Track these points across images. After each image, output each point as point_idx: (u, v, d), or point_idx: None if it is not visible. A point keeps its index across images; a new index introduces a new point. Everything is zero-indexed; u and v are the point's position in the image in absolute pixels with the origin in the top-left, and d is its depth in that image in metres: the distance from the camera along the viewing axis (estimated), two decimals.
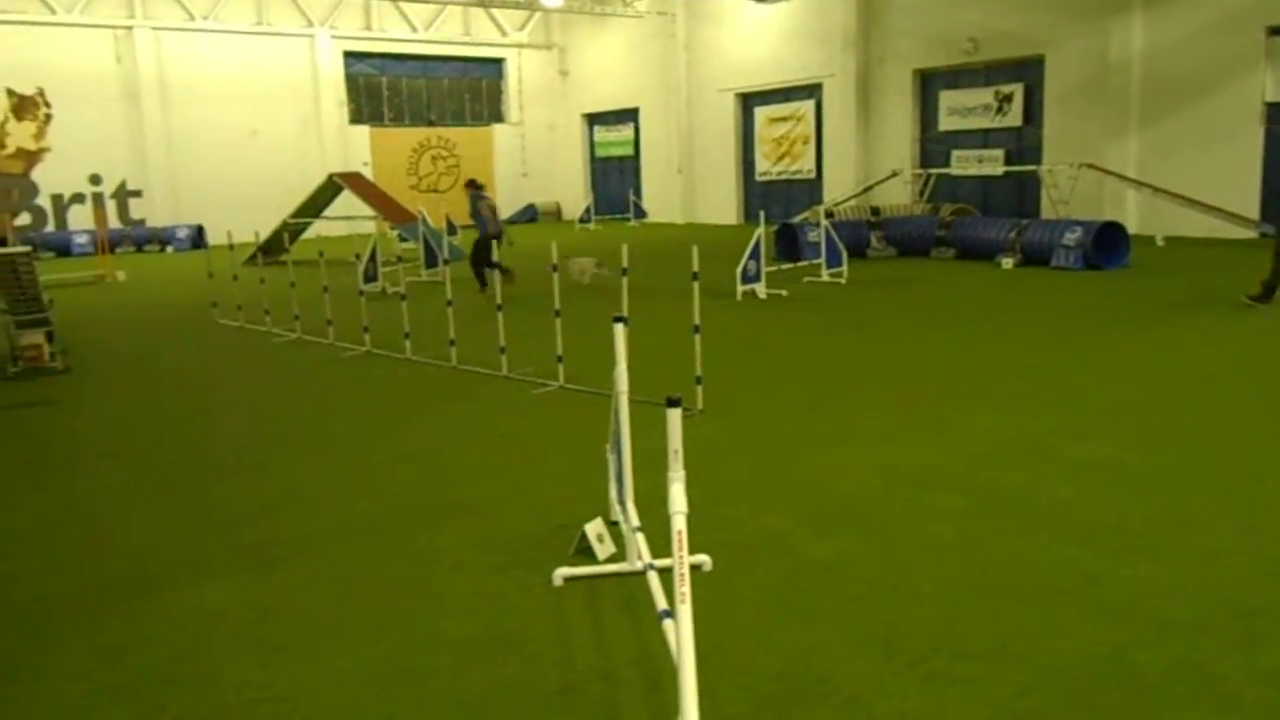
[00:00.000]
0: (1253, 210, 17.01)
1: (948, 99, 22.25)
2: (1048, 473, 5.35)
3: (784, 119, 26.26)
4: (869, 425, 6.48)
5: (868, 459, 5.75)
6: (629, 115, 31.02)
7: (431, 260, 15.68)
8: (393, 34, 29.85)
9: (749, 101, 27.18)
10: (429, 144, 31.23)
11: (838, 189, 23.44)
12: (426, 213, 18.00)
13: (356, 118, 29.92)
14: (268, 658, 3.61)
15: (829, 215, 16.16)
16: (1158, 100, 18.32)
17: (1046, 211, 19.08)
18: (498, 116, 32.81)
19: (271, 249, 18.21)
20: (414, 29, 30.03)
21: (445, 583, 4.21)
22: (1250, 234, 16.61)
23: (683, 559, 2.56)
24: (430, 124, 31.35)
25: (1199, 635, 3.47)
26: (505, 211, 32.29)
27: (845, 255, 13.93)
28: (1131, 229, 15.89)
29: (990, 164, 20.94)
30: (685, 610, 2.50)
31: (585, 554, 4.34)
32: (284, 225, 19.30)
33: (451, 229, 20.42)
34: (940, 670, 3.31)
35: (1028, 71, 20.69)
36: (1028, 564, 4.15)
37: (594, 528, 4.38)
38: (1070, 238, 14.20)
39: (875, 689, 3.21)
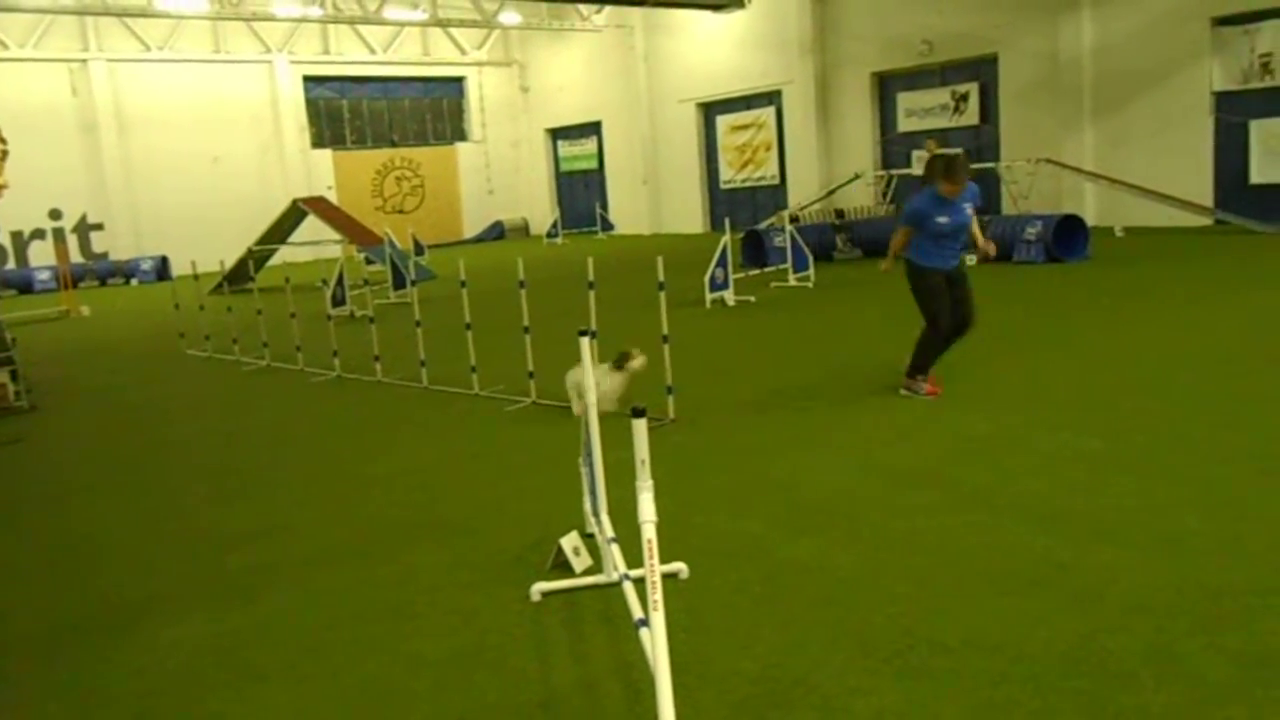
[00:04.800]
0: (1207, 198, 17.33)
1: (905, 100, 22.51)
2: (1017, 465, 5.43)
3: (745, 126, 26.45)
4: (841, 426, 6.54)
5: (841, 459, 5.81)
6: (592, 129, 31.11)
7: (399, 282, 15.64)
8: (351, 57, 29.80)
9: (710, 110, 27.34)
10: (393, 165, 31.17)
11: (802, 194, 23.63)
12: (393, 234, 17.96)
13: (319, 141, 29.81)
14: (246, 688, 3.60)
15: (794, 220, 16.31)
16: (1110, 94, 18.64)
17: (1007, 208, 19.32)
18: (460, 135, 32.80)
19: (237, 277, 18.10)
20: (372, 51, 29.99)
21: (424, 603, 4.21)
22: (1206, 221, 16.92)
23: (654, 568, 2.59)
24: (393, 145, 31.29)
25: (1166, 618, 3.54)
26: (473, 230, 32.39)
27: (811, 259, 14.05)
28: (1090, 221, 16.14)
29: None
30: (658, 618, 2.53)
31: (562, 568, 4.35)
32: (249, 253, 19.19)
33: (419, 249, 20.38)
34: (915, 665, 3.35)
35: (982, 70, 20.98)
36: (999, 555, 4.21)
37: (570, 541, 4.40)
38: (1031, 232, 14.39)
39: (851, 687, 3.24)
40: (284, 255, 19.82)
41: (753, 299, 12.76)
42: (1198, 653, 3.29)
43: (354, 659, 3.75)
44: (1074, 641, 3.42)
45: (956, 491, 5.08)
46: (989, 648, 3.42)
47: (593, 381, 6.59)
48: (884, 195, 20.71)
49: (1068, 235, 14.37)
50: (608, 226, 29.66)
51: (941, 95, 21.74)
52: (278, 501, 5.98)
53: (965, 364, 8.28)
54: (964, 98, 21.35)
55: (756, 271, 15.08)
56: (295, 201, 20.22)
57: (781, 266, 14.38)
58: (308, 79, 29.36)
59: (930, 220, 6.72)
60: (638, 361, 6.99)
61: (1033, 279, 12.98)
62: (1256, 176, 17.02)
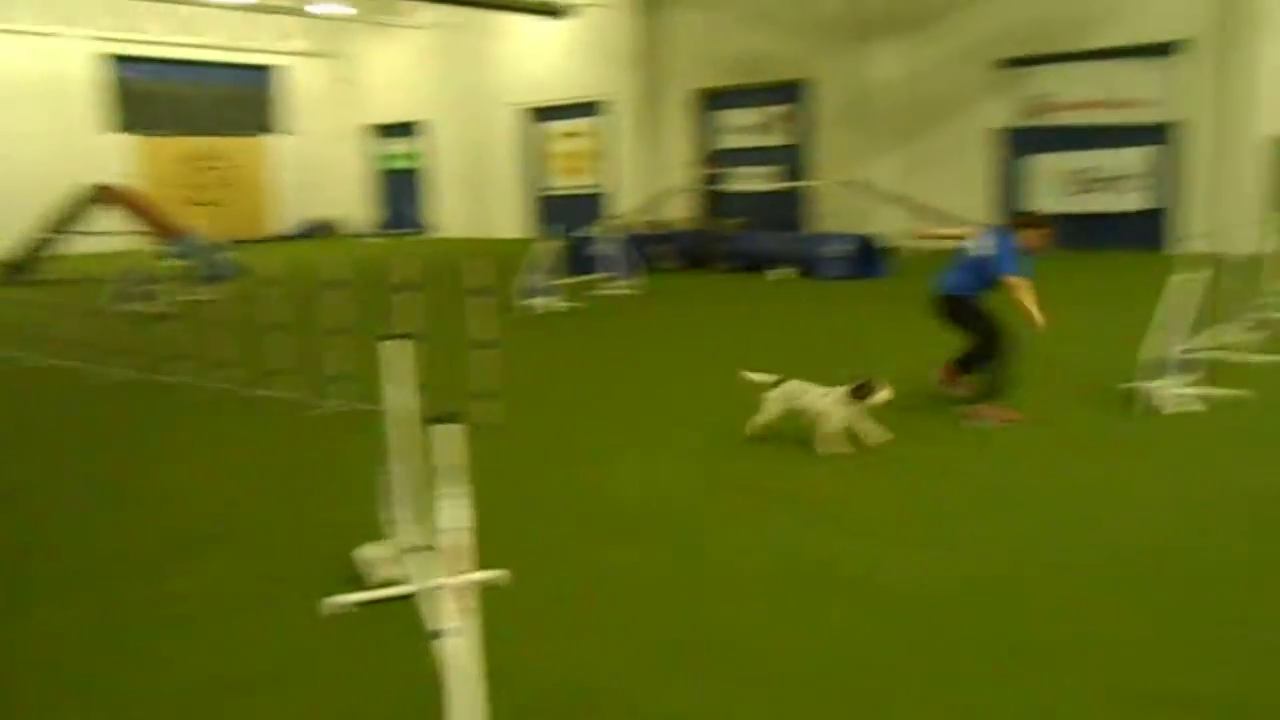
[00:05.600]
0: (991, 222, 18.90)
1: (727, 118, 23.35)
2: (821, 470, 5.73)
3: (573, 134, 26.63)
4: (656, 432, 6.71)
5: (655, 466, 5.96)
6: (415, 128, 30.48)
7: (202, 277, 14.84)
8: (155, 37, 27.92)
9: (537, 116, 27.35)
10: (200, 154, 29.44)
11: (626, 203, 24.00)
12: (196, 228, 17.02)
13: (120, 125, 27.76)
14: (15, 717, 3.36)
15: (618, 229, 16.56)
16: (908, 123, 20.01)
17: (818, 225, 20.35)
18: (273, 126, 31.35)
19: (25, 268, 16.68)
20: (181, 32, 28.21)
21: (217, 619, 4.05)
22: None
23: (457, 576, 2.61)
24: (201, 133, 29.55)
25: (930, 611, 3.87)
26: (286, 226, 30.99)
27: (634, 268, 14.32)
28: (891, 240, 17.22)
29: (766, 180, 22.14)
30: (459, 628, 2.56)
31: (362, 579, 4.28)
32: (36, 241, 17.71)
33: (220, 245, 19.35)
34: (711, 667, 3.51)
35: (797, 93, 22.02)
36: (801, 556, 4.46)
37: (371, 551, 4.33)
38: (835, 249, 15.24)
39: (650, 692, 3.36)
40: (82, 246, 18.42)
41: (576, 305, 12.87)
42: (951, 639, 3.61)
43: (139, 679, 3.57)
44: (859, 638, 3.68)
45: (763, 496, 5.32)
46: (785, 650, 3.62)
47: (821, 406, 5.76)
48: (705, 209, 21.32)
49: (870, 252, 15.29)
50: (428, 228, 29.10)
51: (759, 115, 22.67)
52: (57, 512, 5.56)
53: (770, 368, 8.66)
54: (779, 118, 22.34)
55: (580, 278, 15.21)
56: (90, 188, 18.77)
57: (606, 275, 14.58)
58: (109, 58, 27.29)
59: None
60: (882, 395, 6.00)
61: (834, 293, 13.71)
62: (1033, 205, 18.76)
